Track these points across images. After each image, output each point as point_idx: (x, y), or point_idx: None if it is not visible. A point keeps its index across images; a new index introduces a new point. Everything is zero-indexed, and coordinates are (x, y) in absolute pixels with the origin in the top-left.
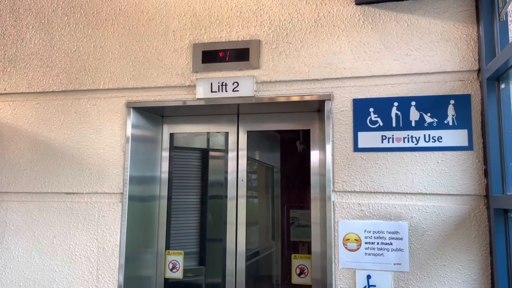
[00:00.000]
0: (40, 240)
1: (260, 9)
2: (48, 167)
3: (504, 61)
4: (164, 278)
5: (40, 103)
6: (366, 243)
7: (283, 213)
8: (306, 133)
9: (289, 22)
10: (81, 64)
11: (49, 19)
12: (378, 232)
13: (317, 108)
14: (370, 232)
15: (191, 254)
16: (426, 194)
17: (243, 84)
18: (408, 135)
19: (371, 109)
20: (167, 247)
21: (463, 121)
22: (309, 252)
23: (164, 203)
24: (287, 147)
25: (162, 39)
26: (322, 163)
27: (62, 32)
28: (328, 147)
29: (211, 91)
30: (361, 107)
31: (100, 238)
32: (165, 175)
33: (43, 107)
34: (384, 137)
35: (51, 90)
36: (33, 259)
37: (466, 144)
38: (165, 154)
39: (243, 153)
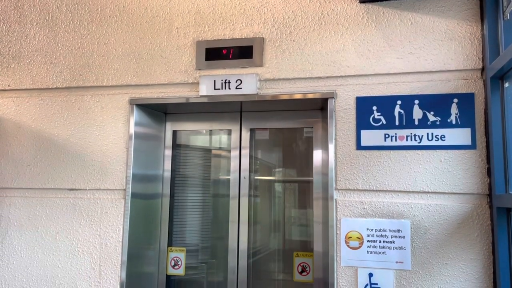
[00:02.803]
0: (43, 236)
1: (264, 7)
2: (51, 163)
3: (508, 60)
4: (166, 275)
5: (43, 99)
6: (368, 241)
7: (285, 211)
8: (309, 131)
9: (292, 20)
10: (85, 60)
11: (53, 16)
12: (380, 230)
13: (320, 106)
14: (372, 230)
15: (193, 251)
16: (428, 192)
17: (246, 81)
18: (411, 134)
19: (374, 108)
20: (169, 244)
21: (466, 120)
22: (311, 250)
23: (166, 200)
24: (289, 145)
25: (165, 36)
26: (325, 161)
27: (66, 29)
28: (331, 145)
29: (214, 89)
30: (364, 105)
31: (102, 235)
32: (167, 173)
33: (47, 103)
34: (387, 136)
35: (55, 86)
36: (36, 254)
37: (469, 142)
38: (168, 151)
39: (246, 151)
